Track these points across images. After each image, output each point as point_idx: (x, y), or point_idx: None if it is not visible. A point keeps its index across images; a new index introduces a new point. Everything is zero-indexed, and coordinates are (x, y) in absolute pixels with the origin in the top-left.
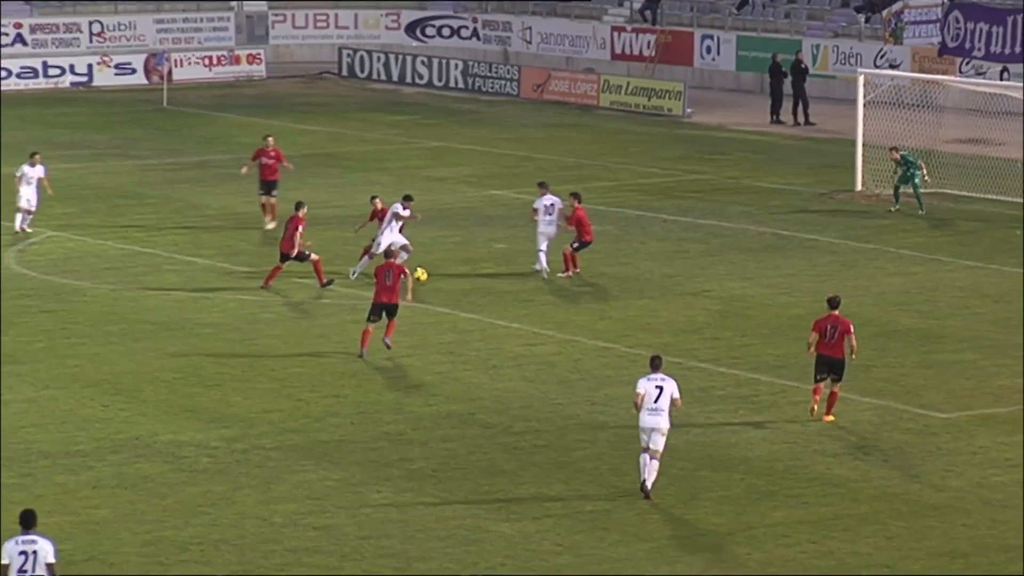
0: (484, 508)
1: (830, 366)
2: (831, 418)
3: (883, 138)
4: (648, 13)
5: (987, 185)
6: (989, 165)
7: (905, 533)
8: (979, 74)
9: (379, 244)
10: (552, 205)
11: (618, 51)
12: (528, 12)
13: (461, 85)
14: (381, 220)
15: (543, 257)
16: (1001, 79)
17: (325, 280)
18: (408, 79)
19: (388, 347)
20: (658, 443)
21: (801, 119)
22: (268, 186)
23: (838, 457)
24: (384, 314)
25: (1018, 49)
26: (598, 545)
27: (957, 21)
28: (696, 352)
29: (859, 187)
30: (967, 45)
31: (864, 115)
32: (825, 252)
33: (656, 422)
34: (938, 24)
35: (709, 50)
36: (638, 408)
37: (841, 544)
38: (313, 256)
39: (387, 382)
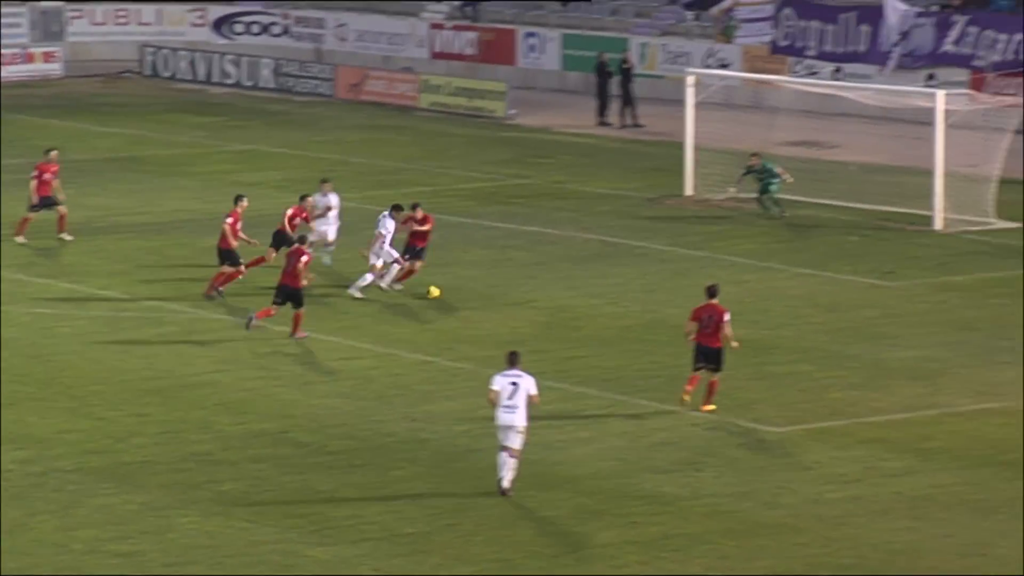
0: (298, 532)
1: (707, 356)
2: (711, 408)
3: (714, 141)
4: (469, 10)
5: (821, 189)
6: (823, 168)
7: (737, 553)
8: (812, 74)
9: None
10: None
11: (438, 49)
12: (342, 8)
13: (272, 85)
14: (407, 223)
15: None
16: (834, 79)
17: (216, 289)
18: (215, 78)
19: (302, 337)
20: (514, 441)
21: (629, 121)
22: (45, 202)
23: (669, 474)
24: (287, 301)
25: (851, 48)
26: (418, 569)
27: (789, 19)
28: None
29: (689, 192)
30: (799, 44)
31: (694, 117)
32: (655, 260)
33: (511, 419)
34: (770, 22)
35: (533, 48)
36: (493, 405)
37: (672, 565)
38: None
39: (194, 400)
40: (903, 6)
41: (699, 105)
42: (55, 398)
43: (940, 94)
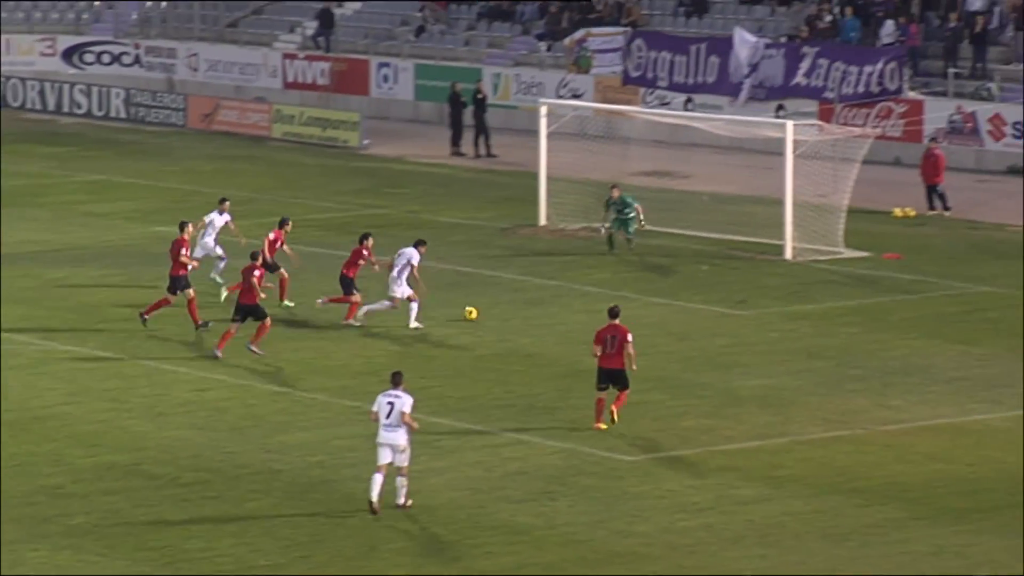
0: (150, 565)
1: (611, 377)
2: (613, 408)
3: (567, 171)
4: (322, 40)
5: (673, 219)
6: (674, 198)
7: None
8: (663, 104)
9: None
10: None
11: (290, 79)
12: (194, 38)
13: (123, 115)
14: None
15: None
16: (685, 109)
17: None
18: (65, 108)
19: (256, 353)
20: (399, 460)
21: (483, 151)
22: None
23: (523, 503)
24: (247, 317)
25: (701, 79)
26: None
27: (640, 50)
28: (375, 395)
29: (543, 222)
30: (650, 75)
31: (547, 147)
32: (508, 289)
33: (390, 437)
34: (621, 53)
35: (386, 79)
36: (376, 423)
37: None
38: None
39: (45, 432)
40: (752, 38)
41: (552, 135)
42: None
43: (789, 125)
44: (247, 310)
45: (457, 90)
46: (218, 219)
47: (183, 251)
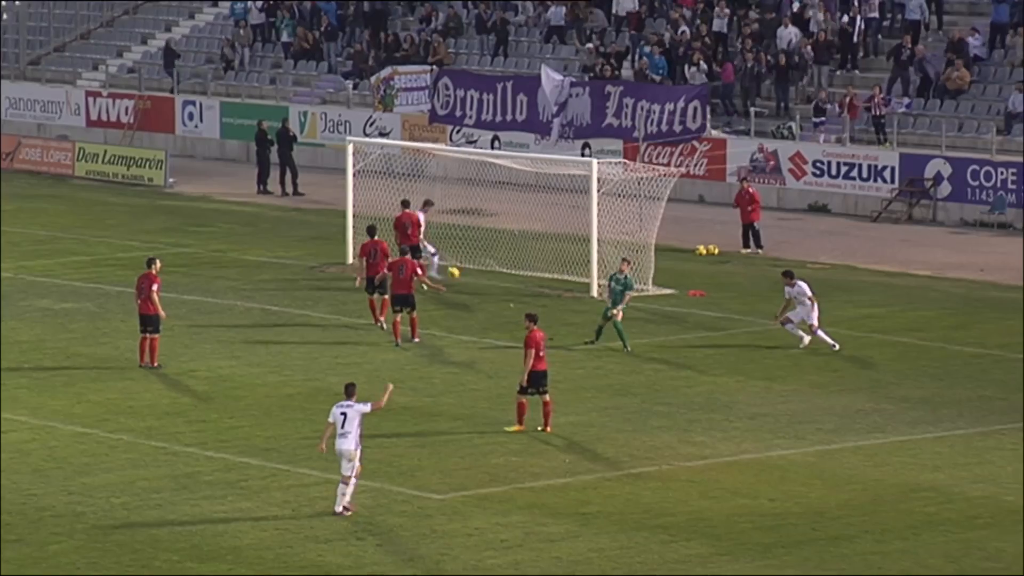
0: None
1: (536, 379)
2: (548, 429)
3: (375, 209)
4: (133, 76)
5: (481, 256)
6: (482, 236)
7: None
8: (470, 142)
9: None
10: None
11: (94, 117)
12: None
13: None
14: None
15: None
16: (492, 147)
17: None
18: None
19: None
20: (349, 469)
21: (289, 189)
22: None
23: (331, 543)
24: (404, 305)
25: (509, 117)
26: None
27: (447, 88)
28: (181, 436)
29: (350, 260)
30: (458, 113)
31: (354, 185)
32: (316, 328)
33: (344, 446)
34: (428, 91)
35: (192, 116)
36: (325, 436)
37: None
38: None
39: None
40: (558, 76)
41: (359, 173)
42: None
43: (594, 163)
44: (404, 299)
45: (263, 128)
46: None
47: (155, 287)
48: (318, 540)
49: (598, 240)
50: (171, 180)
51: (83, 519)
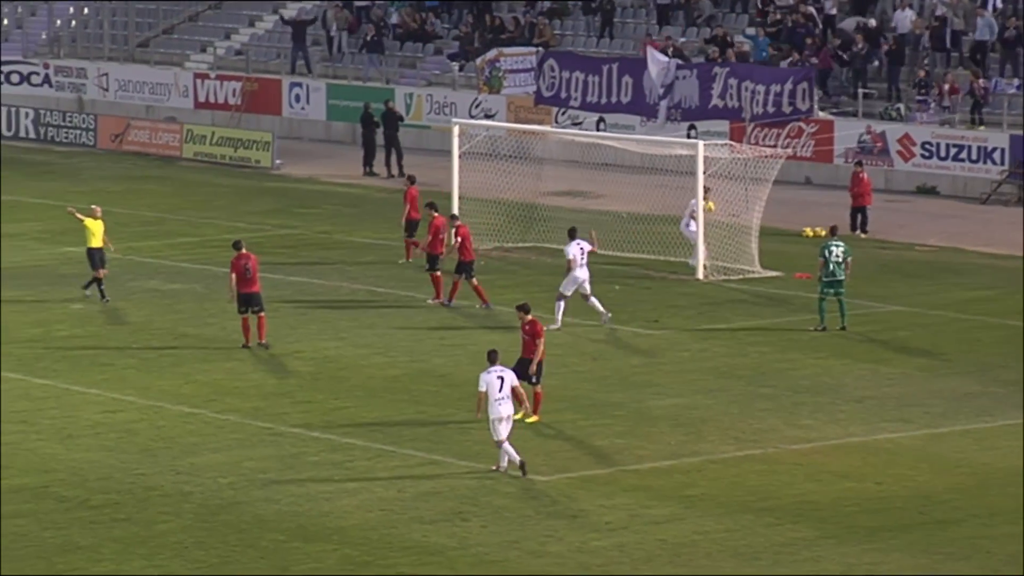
0: None
1: (526, 368)
2: (536, 418)
3: (480, 191)
4: (301, 63)
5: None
6: (588, 219)
7: None
8: (575, 124)
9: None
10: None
11: (202, 99)
12: (104, 58)
13: (32, 135)
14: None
15: None
16: (598, 129)
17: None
18: None
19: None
20: (507, 431)
21: (395, 171)
22: None
23: (435, 524)
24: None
25: (615, 99)
26: None
27: (552, 70)
28: (287, 416)
29: (453, 241)
30: (563, 95)
31: (460, 167)
32: (421, 309)
33: (507, 410)
34: (533, 73)
35: (298, 99)
36: (481, 404)
37: None
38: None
39: None
40: (663, 58)
41: (464, 155)
42: None
43: (700, 144)
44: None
45: (369, 110)
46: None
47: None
48: (423, 521)
49: (703, 221)
50: (278, 162)
51: (190, 499)
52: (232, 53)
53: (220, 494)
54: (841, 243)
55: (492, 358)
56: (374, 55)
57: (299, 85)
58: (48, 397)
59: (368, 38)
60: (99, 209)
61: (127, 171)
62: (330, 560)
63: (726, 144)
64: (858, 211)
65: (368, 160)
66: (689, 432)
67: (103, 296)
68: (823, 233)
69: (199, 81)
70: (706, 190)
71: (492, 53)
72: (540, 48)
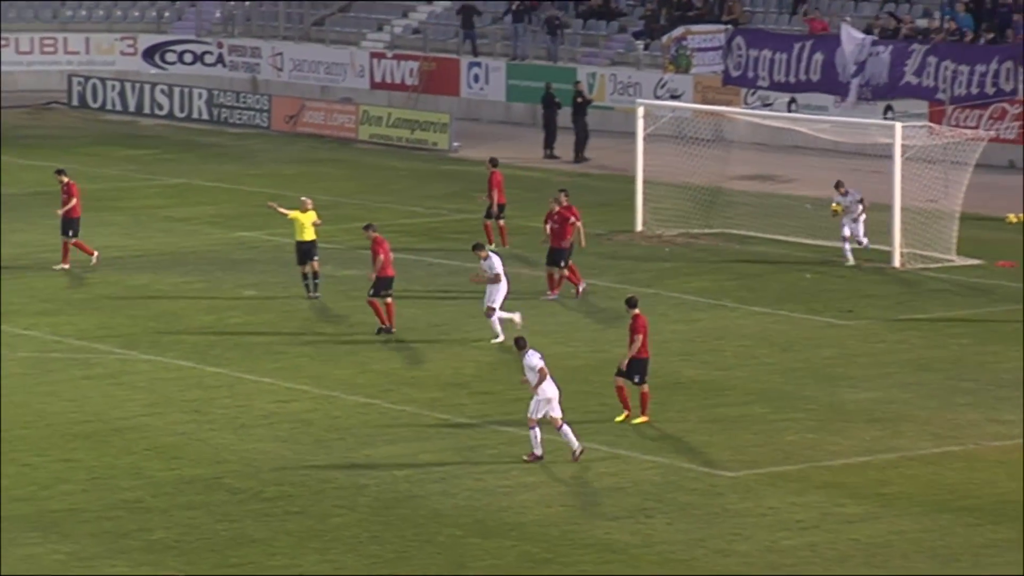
0: None
1: (632, 366)
2: (645, 418)
3: (664, 174)
4: (467, 43)
5: (775, 225)
6: (777, 204)
7: None
8: (766, 105)
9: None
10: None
11: (378, 79)
12: (279, 37)
13: (205, 116)
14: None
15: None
16: (789, 110)
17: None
18: (146, 109)
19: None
20: (559, 409)
21: (579, 154)
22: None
23: (618, 520)
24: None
25: (805, 78)
26: None
27: (740, 49)
28: (464, 408)
29: (639, 228)
30: (751, 74)
31: (644, 149)
32: (603, 297)
33: (553, 391)
34: (721, 52)
35: (477, 79)
36: (543, 379)
37: None
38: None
39: (124, 444)
40: (859, 35)
41: (649, 137)
42: None
43: (898, 127)
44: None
45: (551, 90)
46: (844, 200)
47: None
48: (605, 517)
49: (900, 208)
50: (455, 144)
51: (365, 492)
52: (409, 32)
53: (396, 487)
54: None
55: (521, 344)
56: (556, 34)
57: (478, 65)
58: (220, 386)
59: (549, 16)
60: (310, 201)
61: (301, 153)
62: (509, 557)
63: (924, 126)
64: None
65: (549, 142)
66: (885, 427)
67: (310, 291)
68: None
69: (375, 61)
70: (839, 184)
71: (679, 31)
72: (729, 26)
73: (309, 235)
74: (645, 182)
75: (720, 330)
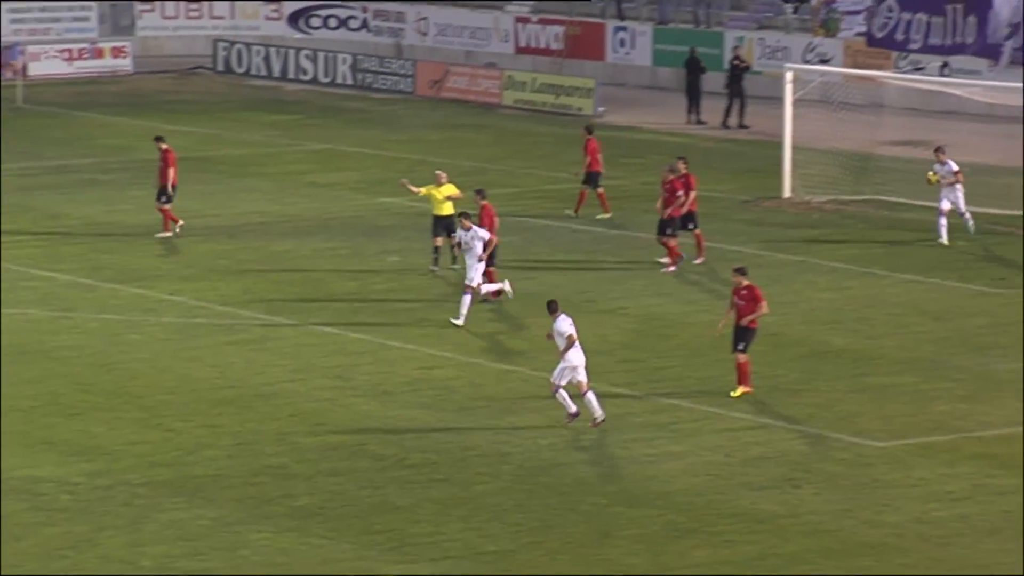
0: (376, 549)
1: (740, 334)
2: (747, 389)
3: (813, 140)
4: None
5: (927, 192)
6: (927, 170)
7: (838, 573)
8: (917, 69)
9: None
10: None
11: (523, 44)
12: (423, 1)
13: (349, 81)
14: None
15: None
16: (941, 74)
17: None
18: (291, 75)
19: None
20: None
21: (737, 120)
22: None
23: (764, 490)
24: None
25: (957, 40)
26: None
27: (891, 11)
28: (610, 376)
29: (787, 194)
30: (899, 36)
31: (793, 115)
32: (750, 265)
33: (580, 357)
34: (867, 14)
35: (623, 43)
36: (570, 346)
37: None
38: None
39: (268, 410)
40: None
41: (798, 102)
42: (123, 408)
43: None
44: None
45: (695, 55)
46: (941, 169)
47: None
48: (751, 487)
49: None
50: (600, 109)
51: (509, 459)
52: None
53: (539, 455)
54: None
55: (553, 308)
56: None
57: (623, 29)
58: (364, 352)
59: None
60: (444, 175)
61: (445, 119)
62: (654, 526)
63: None
64: None
65: (692, 107)
66: None
67: (436, 263)
68: None
69: (520, 25)
70: (937, 150)
71: None
72: None
73: (446, 210)
74: (793, 147)
75: (870, 298)
